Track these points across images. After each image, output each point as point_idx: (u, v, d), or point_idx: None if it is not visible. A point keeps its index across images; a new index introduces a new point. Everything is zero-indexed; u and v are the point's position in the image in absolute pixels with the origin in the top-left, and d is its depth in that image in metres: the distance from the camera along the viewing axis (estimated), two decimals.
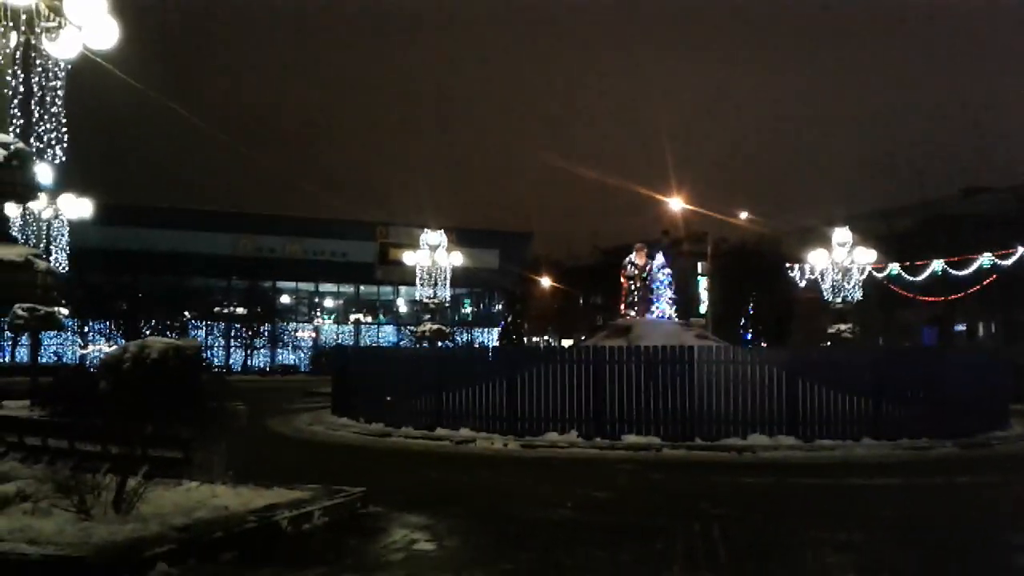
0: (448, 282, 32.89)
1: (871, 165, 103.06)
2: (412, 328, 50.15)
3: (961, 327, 56.86)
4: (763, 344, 55.25)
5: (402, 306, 70.62)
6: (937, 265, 43.67)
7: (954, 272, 44.07)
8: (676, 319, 22.52)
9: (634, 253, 22.25)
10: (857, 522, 9.04)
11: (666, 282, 22.17)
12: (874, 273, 37.61)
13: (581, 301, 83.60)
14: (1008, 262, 39.29)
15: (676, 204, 41.32)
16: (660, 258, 22.62)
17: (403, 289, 65.66)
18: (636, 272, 21.90)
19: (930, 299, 49.17)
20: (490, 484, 11.94)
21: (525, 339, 77.79)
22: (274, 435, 18.13)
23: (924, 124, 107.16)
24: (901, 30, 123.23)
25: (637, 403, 16.10)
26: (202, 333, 59.76)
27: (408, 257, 33.49)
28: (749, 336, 65.13)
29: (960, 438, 15.96)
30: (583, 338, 42.51)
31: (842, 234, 31.15)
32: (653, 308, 21.83)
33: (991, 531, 8.82)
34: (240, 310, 62.73)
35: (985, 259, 40.66)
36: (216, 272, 60.00)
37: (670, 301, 22.28)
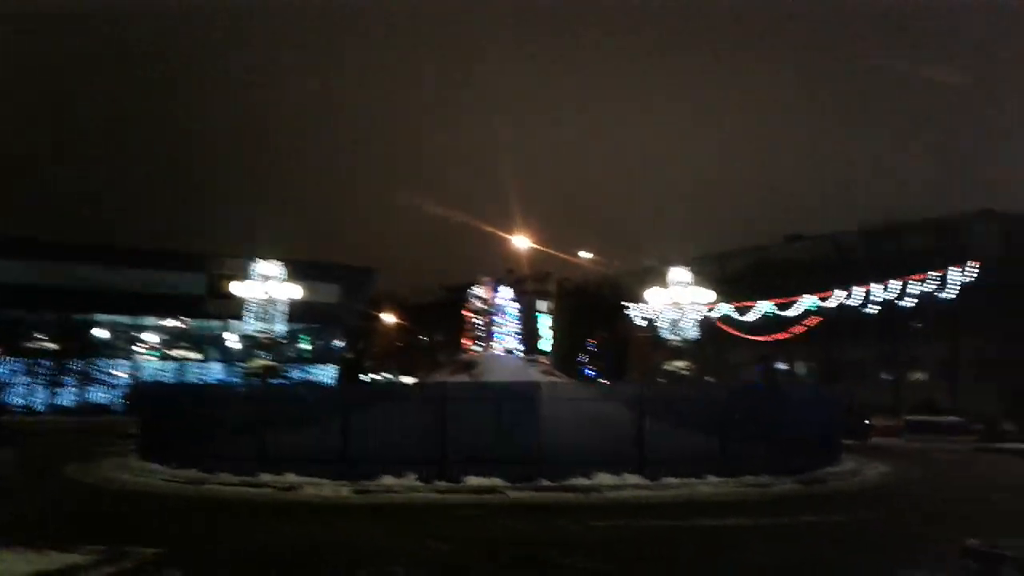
0: (284, 316, 31.05)
1: (705, 210, 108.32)
2: (243, 365, 47.24)
3: (784, 366, 59.75)
4: (603, 381, 55.90)
5: (233, 341, 66.80)
6: (766, 306, 45.82)
7: (780, 313, 46.34)
8: (521, 355, 21.93)
9: (479, 287, 21.55)
10: (721, 572, 8.45)
11: (513, 317, 21.58)
12: (707, 313, 38.71)
13: (425, 338, 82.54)
14: (831, 304, 41.72)
15: (521, 242, 41.11)
16: (509, 291, 22.04)
17: (235, 324, 62.10)
18: (481, 305, 21.18)
19: (759, 338, 51.44)
20: (315, 538, 10.60)
21: (367, 376, 75.61)
22: (69, 483, 15.88)
23: (754, 171, 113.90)
24: (732, 79, 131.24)
25: (481, 442, 15.16)
26: (2, 369, 53.98)
27: (239, 288, 31.37)
28: (591, 373, 66.03)
29: (798, 474, 16.09)
30: (425, 376, 41.37)
31: (680, 273, 31.78)
32: (497, 343, 21.14)
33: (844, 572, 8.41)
34: (50, 345, 57.21)
35: (810, 301, 43.05)
36: (20, 303, 54.54)
37: (516, 336, 21.67)
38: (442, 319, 71.20)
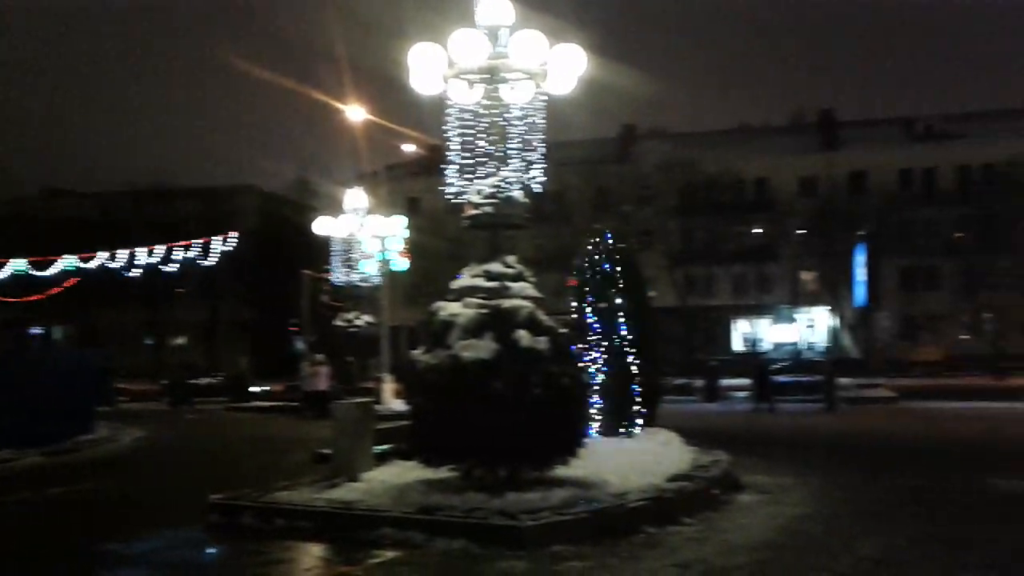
0: None
1: None
2: None
3: (39, 330, 55.41)
4: None
5: None
6: (19, 265, 41.48)
7: (36, 273, 42.55)
8: None
9: None
10: None
11: None
12: None
13: None
14: (91, 264, 39.77)
15: None
16: None
17: None
18: None
19: (8, 300, 46.60)
20: None
21: None
22: None
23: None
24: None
25: None
26: None
27: None
28: None
29: (47, 446, 15.08)
30: None
31: None
32: None
33: (88, 543, 8.10)
34: None
35: (69, 261, 40.34)
36: None
37: None
38: None
